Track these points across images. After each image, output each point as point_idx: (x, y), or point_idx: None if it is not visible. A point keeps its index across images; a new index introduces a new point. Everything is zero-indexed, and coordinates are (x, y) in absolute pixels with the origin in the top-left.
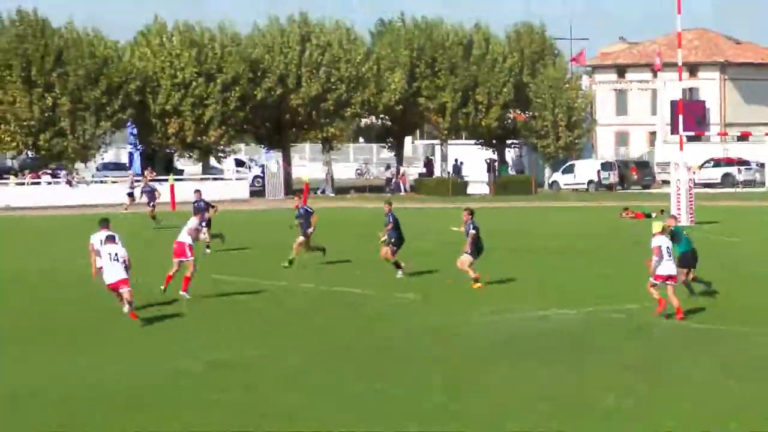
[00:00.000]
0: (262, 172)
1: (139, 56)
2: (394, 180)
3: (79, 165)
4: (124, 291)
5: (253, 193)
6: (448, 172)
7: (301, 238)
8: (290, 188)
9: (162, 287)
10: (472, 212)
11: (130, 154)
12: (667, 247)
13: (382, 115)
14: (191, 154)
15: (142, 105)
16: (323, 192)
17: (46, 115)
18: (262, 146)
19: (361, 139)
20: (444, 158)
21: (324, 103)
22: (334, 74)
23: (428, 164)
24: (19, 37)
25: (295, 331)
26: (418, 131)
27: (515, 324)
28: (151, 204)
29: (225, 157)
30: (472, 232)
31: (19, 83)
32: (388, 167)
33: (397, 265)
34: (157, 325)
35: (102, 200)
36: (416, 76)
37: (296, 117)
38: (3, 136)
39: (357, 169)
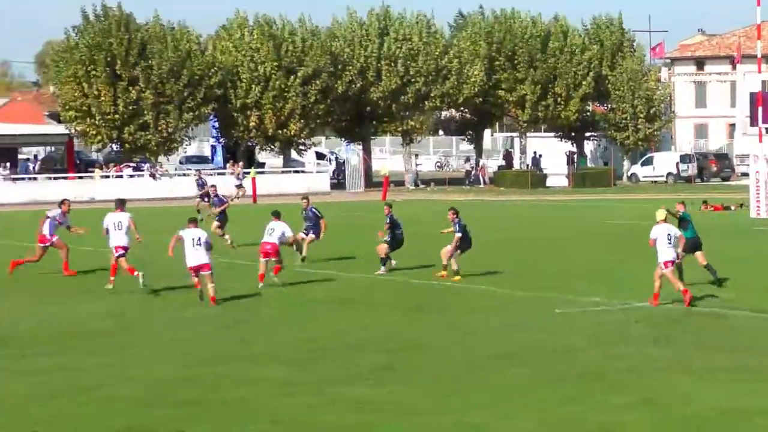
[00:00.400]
0: (343, 164)
1: (221, 50)
2: (473, 172)
3: (162, 158)
4: (206, 274)
5: (333, 186)
6: (527, 165)
7: (311, 236)
8: (370, 181)
9: (259, 285)
10: (456, 212)
11: (213, 147)
12: (668, 234)
13: (461, 108)
14: (272, 146)
15: (224, 98)
16: (414, 184)
17: (130, 108)
18: (343, 139)
19: (440, 132)
20: (523, 151)
21: (403, 96)
22: (413, 67)
23: (507, 157)
24: (104, 32)
25: (374, 322)
26: (497, 124)
27: (597, 316)
28: (204, 198)
29: (305, 150)
30: (458, 235)
31: (104, 77)
32: (467, 160)
33: (384, 261)
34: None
35: (184, 193)
36: (495, 69)
37: (376, 110)
38: (88, 129)
39: (437, 162)
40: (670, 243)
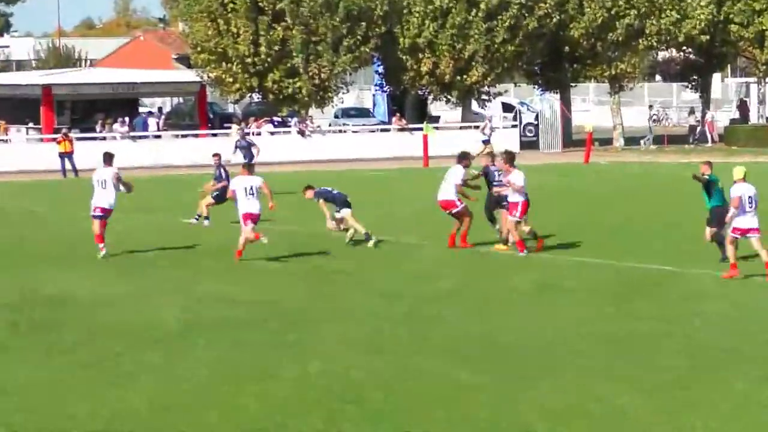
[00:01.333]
0: (536, 118)
1: None
2: (699, 128)
3: (313, 110)
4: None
5: (524, 145)
6: (767, 118)
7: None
8: (569, 138)
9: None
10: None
11: (374, 98)
12: (750, 197)
13: (683, 48)
14: (449, 96)
15: (391, 37)
16: (646, 143)
17: (275, 49)
18: (536, 87)
19: (657, 77)
20: (761, 100)
21: (611, 33)
22: None
23: (742, 107)
24: None
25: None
26: (729, 67)
27: None
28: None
29: (490, 101)
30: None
31: (243, 12)
32: (691, 112)
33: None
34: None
35: (340, 154)
36: None
37: (577, 50)
38: (224, 76)
39: (653, 115)
40: (751, 207)
